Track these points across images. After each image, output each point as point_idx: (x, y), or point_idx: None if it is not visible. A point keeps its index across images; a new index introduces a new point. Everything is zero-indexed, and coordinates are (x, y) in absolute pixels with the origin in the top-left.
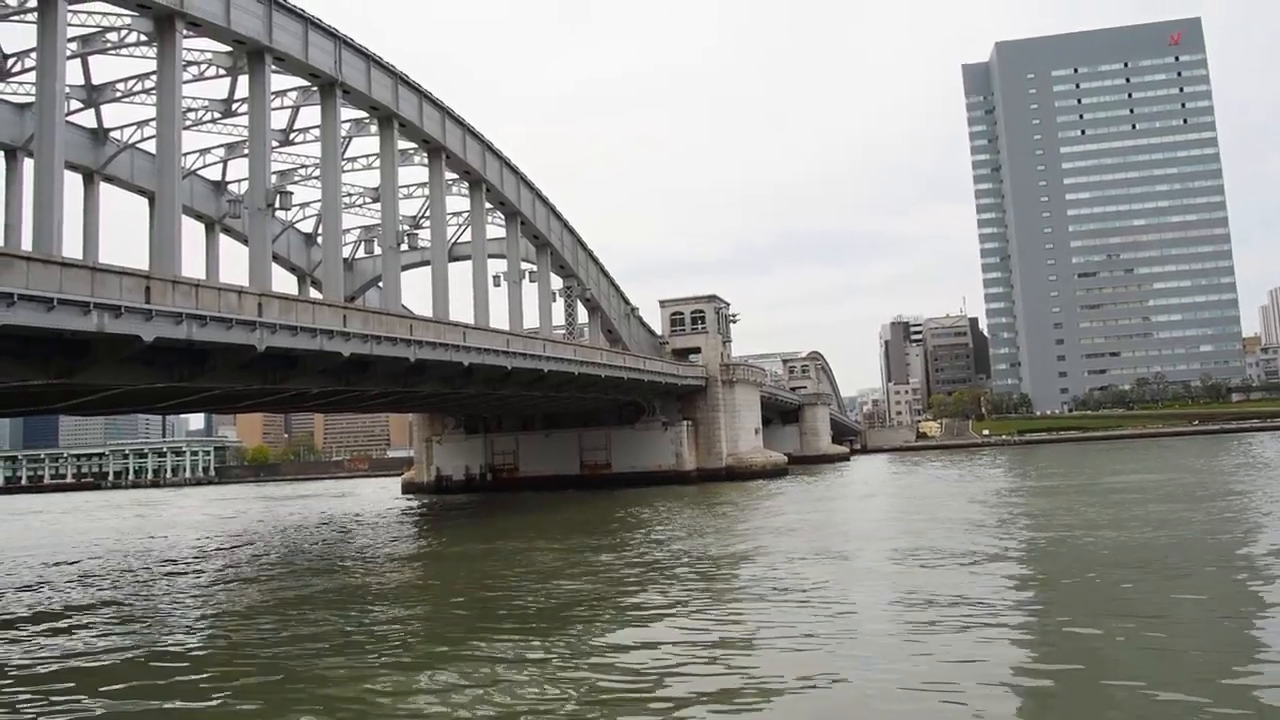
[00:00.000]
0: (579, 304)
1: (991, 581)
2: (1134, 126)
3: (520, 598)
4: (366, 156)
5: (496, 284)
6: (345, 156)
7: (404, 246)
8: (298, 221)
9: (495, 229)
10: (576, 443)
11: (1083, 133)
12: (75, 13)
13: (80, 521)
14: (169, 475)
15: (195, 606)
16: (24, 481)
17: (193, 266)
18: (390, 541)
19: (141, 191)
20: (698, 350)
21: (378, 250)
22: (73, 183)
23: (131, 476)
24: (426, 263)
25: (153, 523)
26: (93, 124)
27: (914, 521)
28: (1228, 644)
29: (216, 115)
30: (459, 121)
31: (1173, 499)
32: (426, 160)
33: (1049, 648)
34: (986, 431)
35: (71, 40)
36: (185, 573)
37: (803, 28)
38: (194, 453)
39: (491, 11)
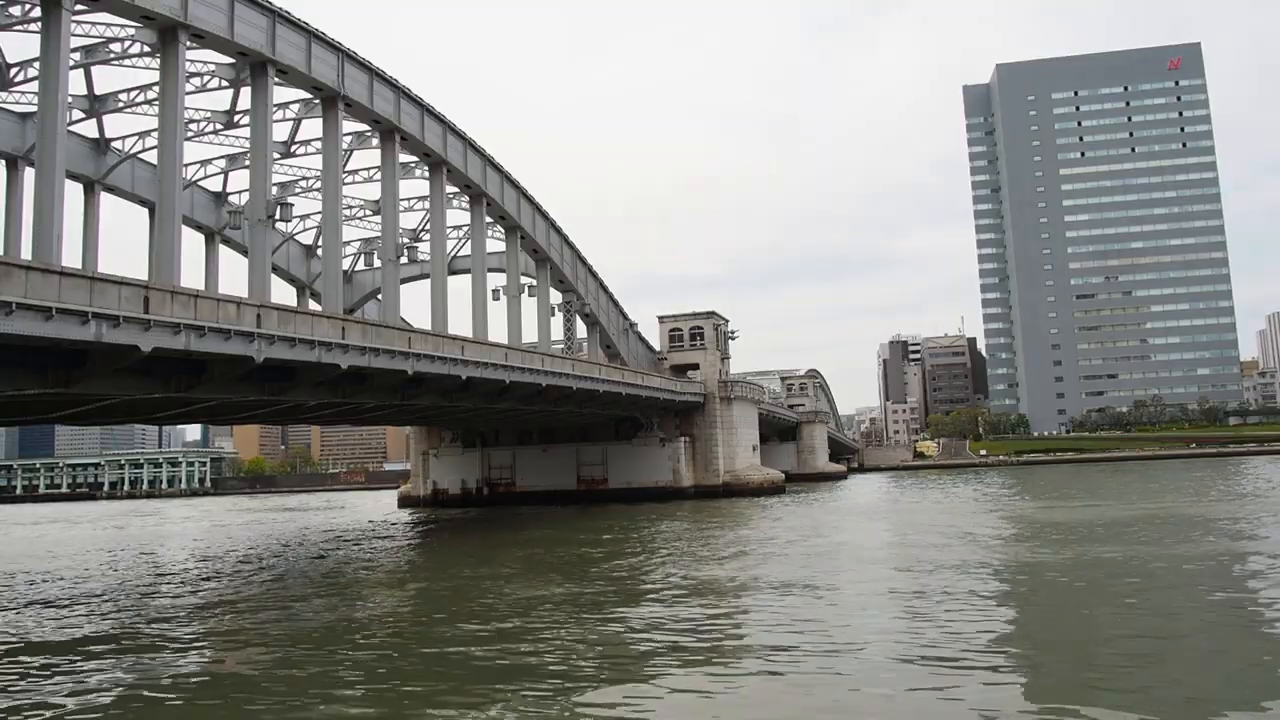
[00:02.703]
0: (578, 319)
1: (990, 609)
2: (1133, 150)
3: (509, 626)
4: (367, 169)
5: (496, 298)
6: (346, 169)
7: (404, 259)
8: (298, 233)
9: (495, 243)
10: (574, 458)
11: (1082, 155)
12: (79, 23)
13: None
14: (164, 486)
15: (172, 632)
16: (19, 491)
17: (192, 277)
18: (384, 560)
19: (142, 202)
20: (696, 366)
21: (377, 263)
22: (73, 192)
23: (127, 487)
24: (426, 276)
25: (127, 536)
26: (94, 134)
27: (909, 546)
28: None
29: (218, 126)
30: (460, 135)
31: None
32: (427, 174)
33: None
34: (984, 452)
35: (74, 50)
36: (161, 595)
37: (810, 45)
38: (190, 464)
39: (500, 27)
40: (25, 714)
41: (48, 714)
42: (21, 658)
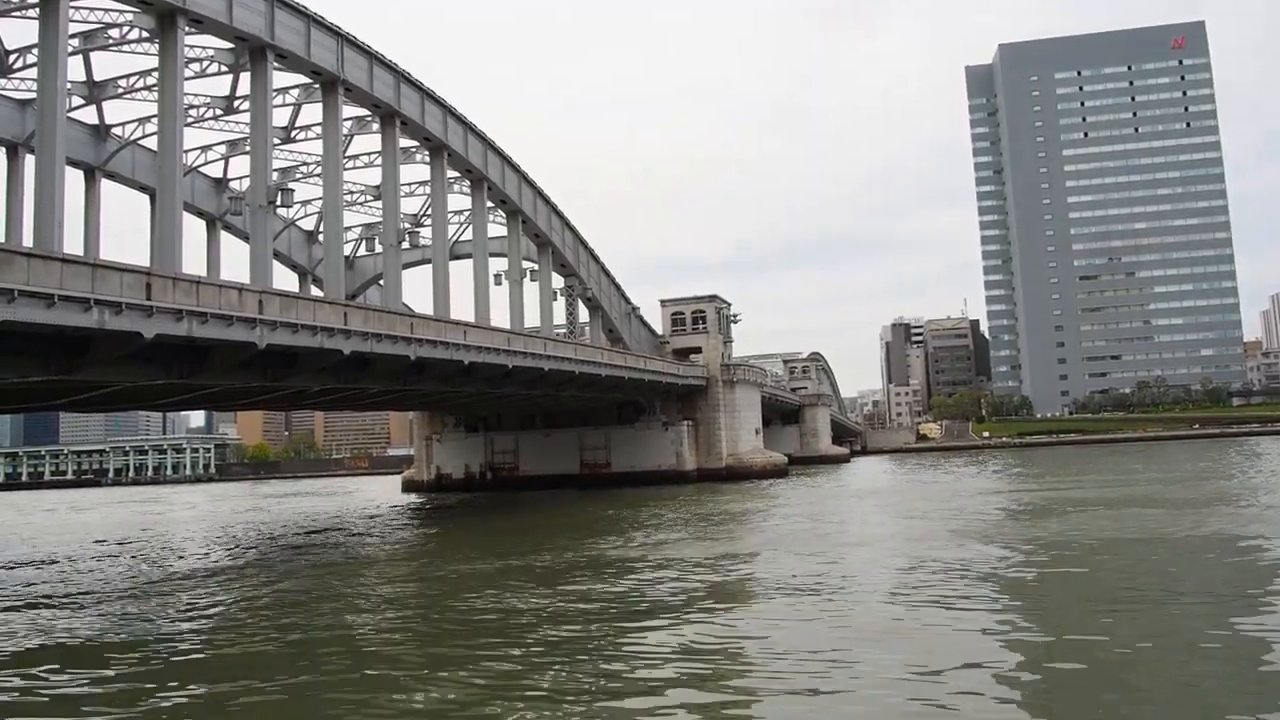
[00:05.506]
0: (580, 303)
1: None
2: (1137, 130)
3: (515, 612)
4: (368, 154)
5: (498, 282)
6: (347, 154)
7: (405, 244)
8: (299, 219)
9: (497, 227)
10: (576, 442)
11: (1085, 135)
12: (77, 9)
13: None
14: (169, 472)
15: (179, 617)
16: (24, 478)
17: (194, 263)
18: (390, 544)
19: (143, 188)
20: (698, 350)
21: (379, 248)
22: (74, 179)
23: (132, 473)
24: (428, 261)
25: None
26: (94, 120)
27: (915, 532)
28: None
29: (218, 112)
30: (461, 119)
31: None
32: (428, 158)
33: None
34: (986, 434)
35: (73, 37)
36: (168, 582)
37: (811, 28)
38: (194, 450)
39: (500, 14)
40: None
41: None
42: None
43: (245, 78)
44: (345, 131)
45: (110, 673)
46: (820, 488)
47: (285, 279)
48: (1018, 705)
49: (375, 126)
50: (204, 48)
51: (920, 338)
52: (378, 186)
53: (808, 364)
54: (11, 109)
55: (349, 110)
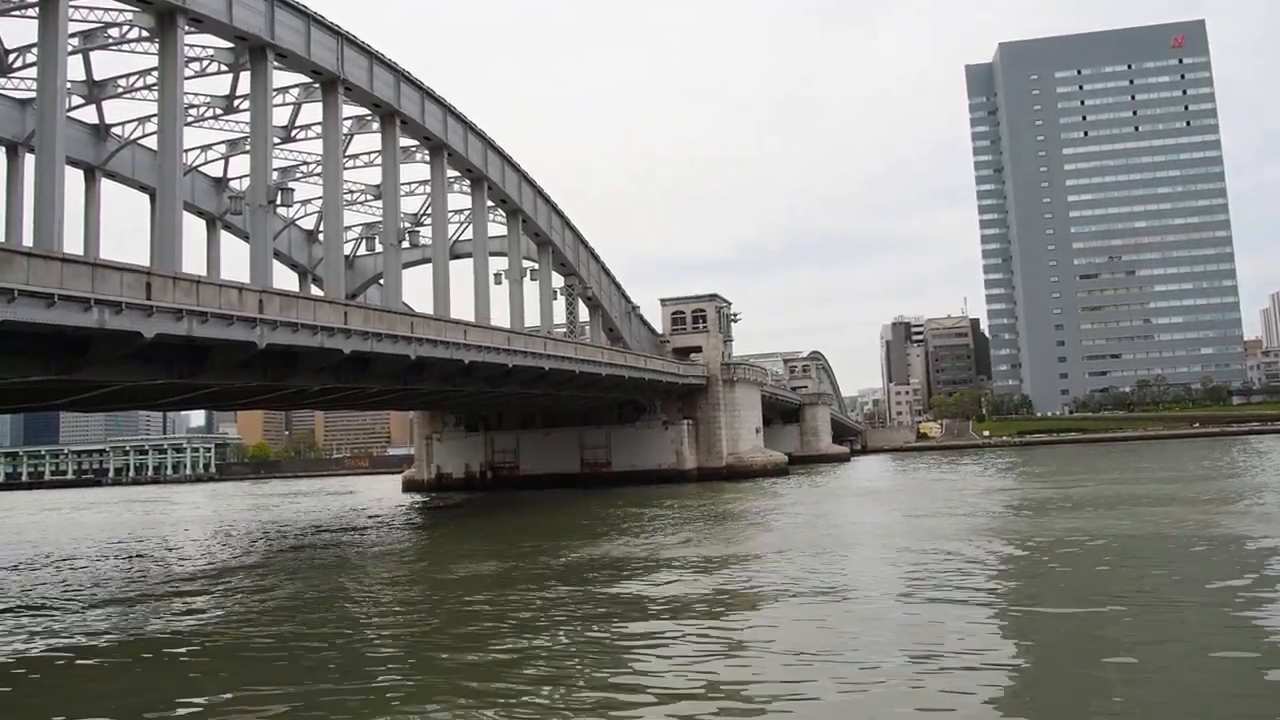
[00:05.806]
0: (580, 302)
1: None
2: (1137, 128)
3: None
4: (368, 153)
5: (498, 282)
6: (347, 153)
7: (405, 244)
8: (299, 218)
9: (497, 227)
10: (577, 441)
11: (1085, 134)
12: (77, 8)
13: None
14: (169, 472)
15: (180, 617)
16: (24, 478)
17: (194, 263)
18: (392, 544)
19: (143, 188)
20: (699, 349)
21: (379, 248)
22: (74, 179)
23: (132, 473)
24: (428, 260)
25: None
26: (94, 120)
27: (920, 531)
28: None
29: (218, 111)
30: (460, 119)
31: None
32: (428, 158)
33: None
34: (987, 433)
35: (73, 36)
36: (171, 589)
37: (812, 27)
38: (195, 450)
39: (499, 14)
40: None
41: None
42: None
43: (245, 77)
44: (345, 131)
45: (113, 673)
46: (822, 486)
47: (285, 278)
48: (1021, 705)
49: (375, 126)
50: (204, 47)
51: (920, 337)
52: (378, 186)
53: (808, 363)
54: (11, 109)
55: (349, 109)
